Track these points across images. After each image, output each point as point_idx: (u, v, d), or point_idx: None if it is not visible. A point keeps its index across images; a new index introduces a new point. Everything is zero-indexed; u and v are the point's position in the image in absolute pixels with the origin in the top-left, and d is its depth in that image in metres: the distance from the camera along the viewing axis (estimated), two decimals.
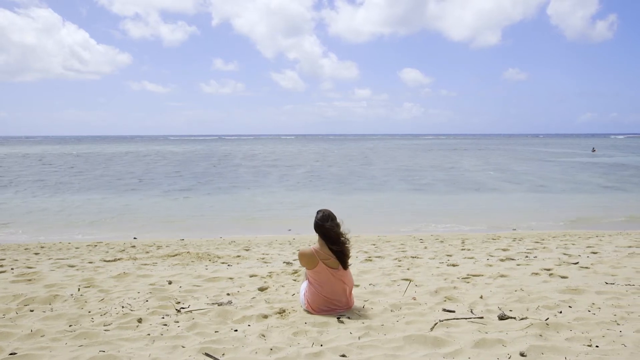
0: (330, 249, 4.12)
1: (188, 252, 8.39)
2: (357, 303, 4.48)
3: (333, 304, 4.14)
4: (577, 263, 6.45)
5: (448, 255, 7.81)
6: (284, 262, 7.21)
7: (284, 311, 4.21)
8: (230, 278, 5.82)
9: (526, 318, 3.80)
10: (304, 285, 4.36)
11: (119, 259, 7.85)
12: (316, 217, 4.22)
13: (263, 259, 7.92)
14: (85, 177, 27.80)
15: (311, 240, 10.24)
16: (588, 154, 53.48)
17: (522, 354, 2.98)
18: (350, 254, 4.30)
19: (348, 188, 22.69)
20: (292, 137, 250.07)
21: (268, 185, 23.77)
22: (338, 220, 4.24)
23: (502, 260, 7.07)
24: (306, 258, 4.16)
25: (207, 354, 3.05)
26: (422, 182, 25.10)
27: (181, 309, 4.30)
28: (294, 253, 8.45)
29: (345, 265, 4.15)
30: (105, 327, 3.76)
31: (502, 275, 5.73)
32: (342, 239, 4.15)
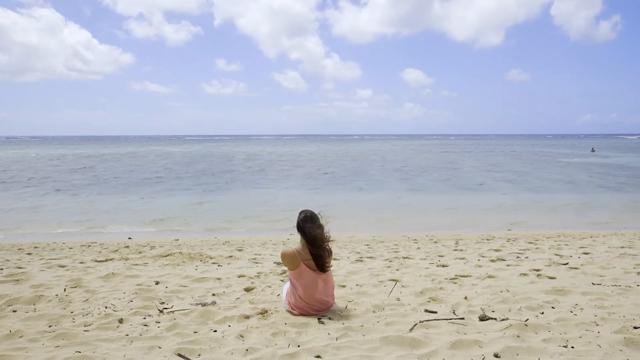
0: (309, 251, 4.11)
1: (180, 253, 8.39)
2: (341, 304, 4.48)
3: (314, 304, 4.13)
4: (567, 264, 6.43)
5: (440, 256, 7.79)
6: (274, 263, 7.20)
7: (266, 312, 4.21)
8: (218, 278, 5.81)
9: (507, 319, 3.79)
10: (286, 286, 4.36)
11: (110, 259, 7.85)
12: (298, 218, 4.21)
13: (254, 259, 7.92)
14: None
15: None
16: (587, 154, 53.56)
17: (496, 355, 2.96)
18: (332, 256, 4.28)
19: (347, 188, 22.70)
20: (293, 137, 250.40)
21: (267, 186, 23.78)
22: (322, 222, 4.23)
23: (492, 261, 7.04)
24: (288, 258, 4.16)
25: (180, 355, 3.05)
26: (420, 182, 25.10)
27: (164, 310, 4.30)
28: None
29: (323, 268, 4.13)
30: (85, 328, 3.76)
31: (490, 276, 5.71)
32: (324, 243, 4.13)
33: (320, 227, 4.17)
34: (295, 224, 4.24)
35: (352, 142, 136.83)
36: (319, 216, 4.19)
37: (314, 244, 4.08)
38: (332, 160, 44.63)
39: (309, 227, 4.13)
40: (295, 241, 10.58)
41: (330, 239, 4.23)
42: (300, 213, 4.25)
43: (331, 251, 4.28)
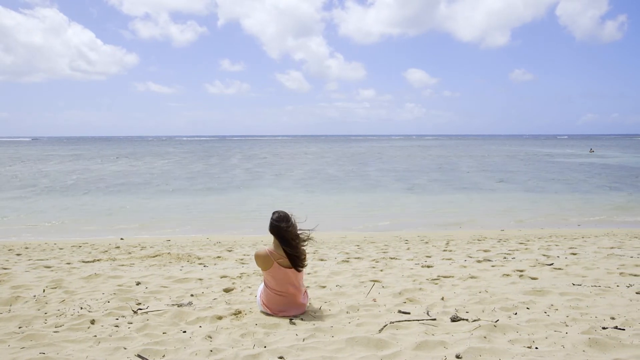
0: (285, 250, 4.10)
1: (169, 253, 8.38)
2: (317, 304, 4.46)
3: (287, 305, 4.12)
4: (552, 264, 6.40)
5: (427, 257, 7.76)
6: None
7: (239, 312, 4.20)
8: (200, 279, 5.80)
9: (478, 320, 3.77)
10: (261, 287, 4.35)
11: (98, 260, 7.85)
12: (271, 218, 4.20)
13: (242, 260, 7.92)
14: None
15: None
16: (586, 154, 53.51)
17: (457, 356, 2.95)
18: (306, 255, 4.27)
19: (344, 188, 22.68)
20: (295, 138, 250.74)
21: (266, 185, 23.79)
22: (295, 222, 4.23)
23: (479, 261, 7.02)
24: (261, 259, 4.15)
25: (139, 356, 3.03)
26: (418, 182, 25.05)
27: (138, 311, 4.30)
28: None
29: (297, 267, 4.13)
30: (56, 329, 3.75)
31: (472, 277, 5.69)
32: (297, 241, 4.12)
33: (294, 226, 4.17)
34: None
35: (353, 142, 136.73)
36: (292, 216, 4.20)
37: (289, 244, 4.07)
38: (332, 161, 44.65)
39: (284, 227, 4.12)
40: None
41: (306, 239, 4.22)
42: (273, 213, 4.25)
43: (304, 250, 4.27)
